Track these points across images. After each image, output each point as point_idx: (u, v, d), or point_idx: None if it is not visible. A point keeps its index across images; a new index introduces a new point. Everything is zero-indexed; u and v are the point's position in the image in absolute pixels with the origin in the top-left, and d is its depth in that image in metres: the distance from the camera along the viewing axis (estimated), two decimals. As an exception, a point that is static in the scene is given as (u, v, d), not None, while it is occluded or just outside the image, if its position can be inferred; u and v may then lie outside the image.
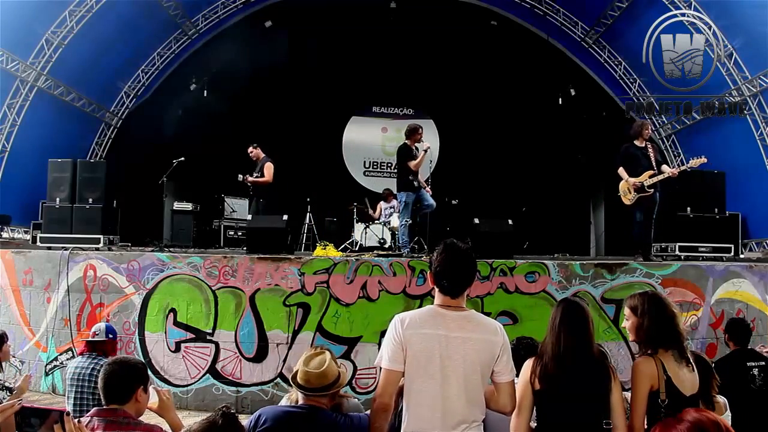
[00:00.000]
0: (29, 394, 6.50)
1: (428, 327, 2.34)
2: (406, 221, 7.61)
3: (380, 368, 2.37)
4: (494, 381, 2.41)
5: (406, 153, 7.67)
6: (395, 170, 8.09)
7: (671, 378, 2.51)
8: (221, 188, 10.97)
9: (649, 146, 7.28)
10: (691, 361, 2.59)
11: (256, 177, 8.40)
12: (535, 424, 2.56)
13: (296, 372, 2.48)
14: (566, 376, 2.45)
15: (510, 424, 2.52)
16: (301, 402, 2.47)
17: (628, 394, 2.63)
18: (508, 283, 6.37)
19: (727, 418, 3.09)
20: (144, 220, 10.19)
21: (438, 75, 12.26)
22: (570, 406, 2.45)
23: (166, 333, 6.36)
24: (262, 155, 8.65)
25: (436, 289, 2.45)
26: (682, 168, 7.12)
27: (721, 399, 2.83)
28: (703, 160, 6.99)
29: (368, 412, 2.86)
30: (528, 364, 2.53)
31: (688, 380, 2.55)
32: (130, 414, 2.38)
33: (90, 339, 3.89)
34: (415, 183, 7.58)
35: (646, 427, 2.54)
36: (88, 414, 2.40)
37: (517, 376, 2.51)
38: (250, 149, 8.68)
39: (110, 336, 3.95)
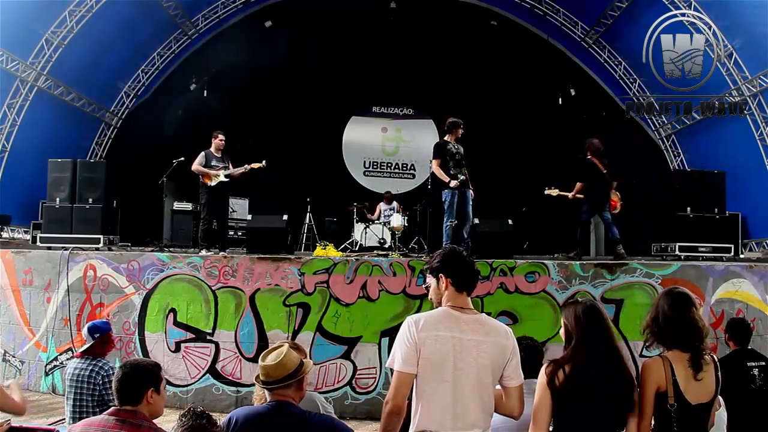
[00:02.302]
0: (29, 394, 6.52)
1: (443, 329, 2.33)
2: (451, 222, 7.14)
3: (387, 369, 2.36)
4: (503, 385, 2.40)
5: (434, 150, 7.31)
6: (395, 170, 8.05)
7: (678, 382, 2.46)
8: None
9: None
10: (706, 368, 2.49)
11: (233, 170, 7.92)
12: (552, 428, 2.54)
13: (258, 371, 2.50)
14: (592, 380, 2.41)
15: None
16: (268, 399, 2.46)
17: None
18: (508, 283, 6.38)
19: (721, 414, 3.08)
20: (144, 220, 10.18)
21: (438, 75, 12.25)
22: (592, 409, 2.41)
23: (166, 333, 6.37)
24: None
25: (451, 291, 2.44)
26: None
27: None
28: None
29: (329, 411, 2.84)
30: (546, 370, 2.47)
31: (696, 388, 2.47)
32: (145, 416, 2.41)
33: (82, 349, 3.78)
34: (452, 181, 7.04)
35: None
36: (105, 412, 2.44)
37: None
38: (222, 138, 8.05)
39: (96, 336, 3.78)
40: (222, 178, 7.83)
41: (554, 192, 8.11)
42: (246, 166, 7.99)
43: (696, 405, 2.47)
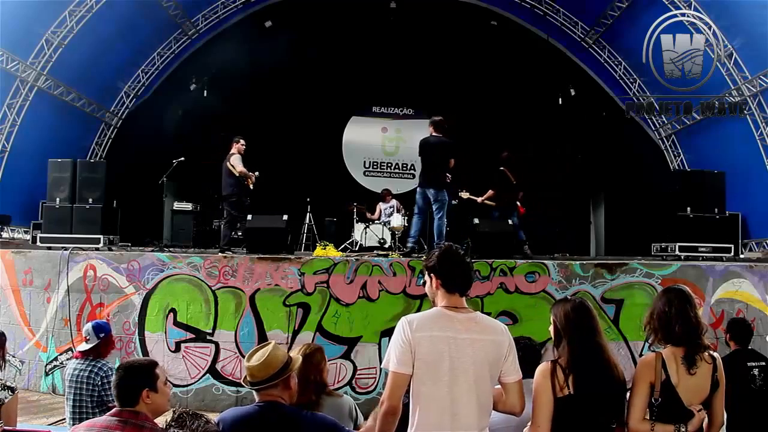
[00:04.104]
0: (29, 393, 6.53)
1: (437, 329, 2.32)
2: (445, 221, 7.30)
3: (386, 371, 2.34)
4: (502, 381, 2.39)
5: (454, 149, 7.34)
6: (395, 170, 8.15)
7: (670, 378, 2.47)
8: (221, 188, 10.96)
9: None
10: (701, 365, 2.49)
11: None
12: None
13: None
14: (592, 378, 2.41)
15: None
16: (257, 400, 2.43)
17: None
18: (508, 283, 6.38)
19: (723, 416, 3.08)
20: (144, 220, 10.19)
21: (438, 75, 12.25)
22: (593, 408, 2.41)
23: (166, 333, 6.37)
24: None
25: (441, 291, 2.43)
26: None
27: None
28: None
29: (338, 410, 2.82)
30: (546, 371, 2.45)
31: (689, 384, 2.48)
32: (147, 416, 2.41)
33: (83, 349, 3.77)
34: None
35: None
36: (108, 413, 2.44)
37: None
38: (244, 143, 8.23)
39: (101, 336, 3.79)
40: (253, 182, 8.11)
41: (465, 195, 8.84)
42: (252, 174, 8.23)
43: (684, 404, 2.45)
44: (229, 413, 2.40)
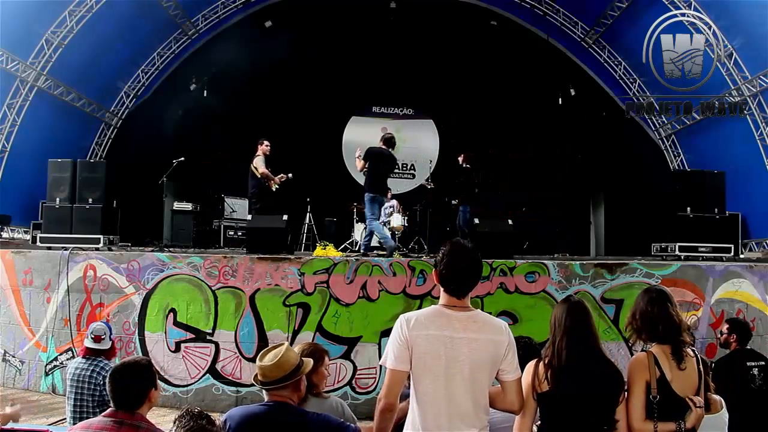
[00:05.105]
0: (29, 393, 6.53)
1: (434, 328, 2.31)
2: None
3: (384, 368, 2.34)
4: (500, 380, 2.39)
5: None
6: (395, 170, 8.51)
7: (665, 375, 2.49)
8: (221, 188, 10.97)
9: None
10: (688, 360, 2.55)
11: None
12: (539, 423, 2.55)
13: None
14: (572, 377, 2.43)
15: (514, 426, 2.51)
16: (266, 399, 2.44)
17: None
18: (508, 283, 6.37)
19: (723, 416, 3.08)
20: (144, 220, 10.19)
21: (438, 75, 12.26)
22: (576, 407, 2.43)
23: (166, 333, 6.36)
24: None
25: (442, 290, 2.42)
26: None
27: (716, 397, 2.82)
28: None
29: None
30: (530, 367, 2.50)
31: (681, 379, 2.52)
32: (143, 416, 2.42)
33: (94, 347, 3.82)
34: None
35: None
36: (102, 414, 2.43)
37: None
38: (268, 144, 8.45)
39: (111, 338, 3.95)
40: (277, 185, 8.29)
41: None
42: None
43: (682, 398, 2.50)
44: (237, 411, 2.41)
